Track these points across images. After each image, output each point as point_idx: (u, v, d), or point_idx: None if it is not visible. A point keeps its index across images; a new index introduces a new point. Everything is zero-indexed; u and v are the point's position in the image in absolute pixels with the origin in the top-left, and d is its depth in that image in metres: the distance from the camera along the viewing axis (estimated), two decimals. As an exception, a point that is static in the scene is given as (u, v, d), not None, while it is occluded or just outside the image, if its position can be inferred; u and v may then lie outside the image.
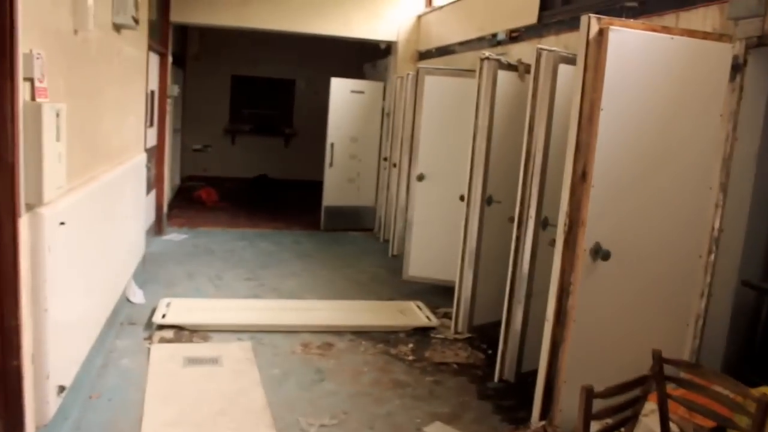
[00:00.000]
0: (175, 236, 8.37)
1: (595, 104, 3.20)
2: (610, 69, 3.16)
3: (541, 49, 4.06)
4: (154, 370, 4.42)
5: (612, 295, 3.43)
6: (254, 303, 5.96)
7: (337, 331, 5.40)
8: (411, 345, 5.27)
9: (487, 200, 5.03)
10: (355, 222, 9.48)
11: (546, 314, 3.51)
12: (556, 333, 3.46)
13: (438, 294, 6.52)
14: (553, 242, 3.46)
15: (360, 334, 5.39)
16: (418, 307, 6.04)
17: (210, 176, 12.40)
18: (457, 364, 4.97)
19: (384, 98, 9.18)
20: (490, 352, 5.21)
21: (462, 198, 5.17)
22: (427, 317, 5.77)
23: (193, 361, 4.61)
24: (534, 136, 4.12)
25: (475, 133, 4.95)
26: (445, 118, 6.20)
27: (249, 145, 13.05)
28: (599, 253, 3.30)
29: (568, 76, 4.09)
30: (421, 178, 6.27)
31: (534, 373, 4.57)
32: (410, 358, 5.03)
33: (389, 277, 7.20)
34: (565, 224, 3.35)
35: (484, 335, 5.45)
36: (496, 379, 4.50)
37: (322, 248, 8.45)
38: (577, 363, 3.39)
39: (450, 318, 5.90)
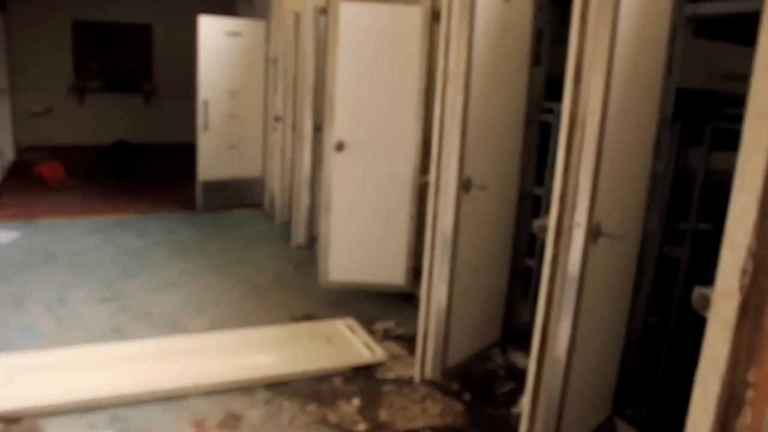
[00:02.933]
0: (1, 236, 5.93)
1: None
2: None
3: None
4: None
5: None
6: (115, 349, 3.81)
7: (245, 387, 3.44)
8: (356, 401, 3.41)
9: (464, 185, 3.15)
10: (240, 197, 7.36)
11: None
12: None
13: (369, 299, 4.66)
14: (704, 301, 1.63)
15: (278, 387, 3.48)
16: (350, 328, 4.14)
17: (55, 146, 9.72)
18: (432, 430, 3.17)
19: (268, 41, 6.98)
20: (468, 397, 3.44)
21: (425, 183, 3.25)
22: (367, 345, 3.90)
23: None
24: (583, 91, 2.24)
25: (445, 84, 3.03)
26: (374, 64, 4.21)
27: (101, 106, 10.36)
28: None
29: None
30: (340, 147, 4.28)
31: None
32: (361, 427, 3.17)
33: (298, 277, 5.23)
34: (743, 272, 1.52)
35: (456, 371, 3.67)
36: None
37: (203, 237, 6.30)
38: None
39: (392, 336, 4.11)
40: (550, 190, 3.93)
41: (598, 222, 2.40)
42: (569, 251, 2.40)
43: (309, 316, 4.42)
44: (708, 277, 1.66)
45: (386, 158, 4.29)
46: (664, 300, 3.34)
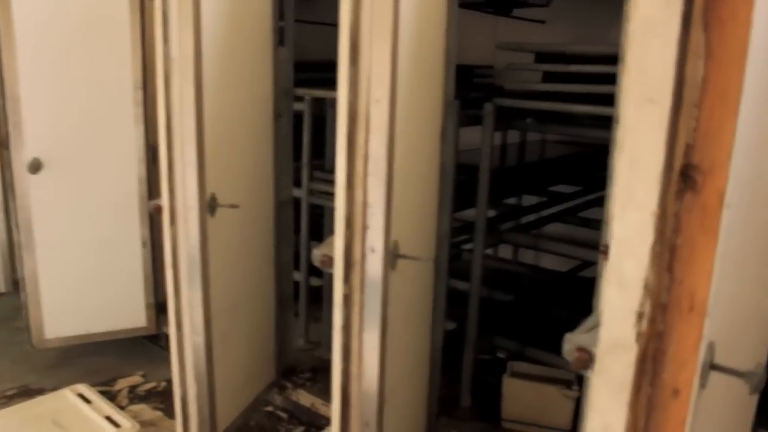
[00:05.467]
0: None
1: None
2: None
3: None
4: None
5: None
6: None
7: None
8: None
9: (209, 205, 2.48)
10: None
11: None
12: None
13: (103, 351, 3.78)
14: (585, 358, 1.19)
15: None
16: (83, 397, 3.25)
17: None
18: None
19: None
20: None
21: (156, 208, 2.51)
22: (110, 418, 3.07)
23: None
24: (362, 75, 1.72)
25: (168, 75, 2.32)
26: (73, 54, 3.30)
27: None
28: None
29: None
30: (37, 167, 3.33)
31: None
32: None
33: (3, 336, 4.09)
34: (639, 315, 1.11)
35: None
36: None
37: None
38: None
39: (140, 395, 3.36)
40: (309, 192, 3.41)
41: (396, 242, 1.90)
42: (366, 282, 1.86)
43: (25, 392, 3.41)
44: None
45: (103, 173, 3.43)
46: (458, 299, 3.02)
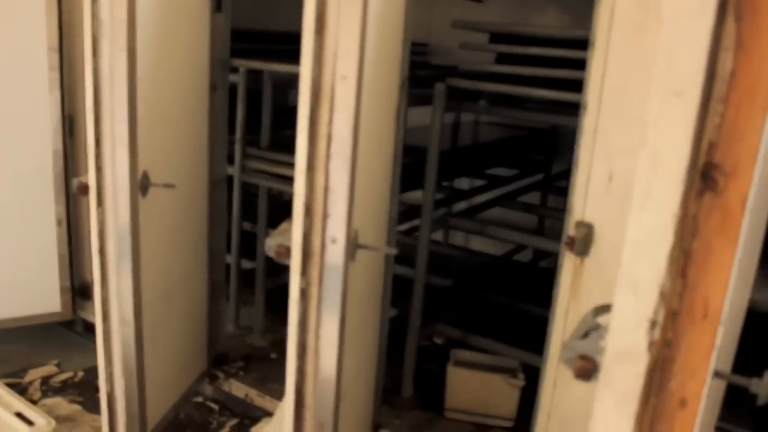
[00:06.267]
0: None
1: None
2: None
3: None
4: None
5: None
6: None
7: None
8: None
9: (140, 184, 2.28)
10: None
11: None
12: None
13: (11, 340, 3.51)
14: (589, 366, 1.12)
15: None
16: (-9, 391, 2.99)
17: None
18: None
19: None
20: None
21: (82, 186, 2.29)
22: (21, 415, 2.84)
23: None
24: (328, 48, 1.58)
25: (96, 39, 2.10)
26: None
27: None
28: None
29: None
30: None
31: None
32: None
33: None
34: (652, 323, 1.05)
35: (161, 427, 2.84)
36: None
37: None
38: None
39: (55, 387, 3.14)
40: (243, 168, 3.23)
41: (356, 231, 1.78)
42: (326, 276, 1.74)
43: None
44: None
45: (10, 144, 3.13)
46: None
